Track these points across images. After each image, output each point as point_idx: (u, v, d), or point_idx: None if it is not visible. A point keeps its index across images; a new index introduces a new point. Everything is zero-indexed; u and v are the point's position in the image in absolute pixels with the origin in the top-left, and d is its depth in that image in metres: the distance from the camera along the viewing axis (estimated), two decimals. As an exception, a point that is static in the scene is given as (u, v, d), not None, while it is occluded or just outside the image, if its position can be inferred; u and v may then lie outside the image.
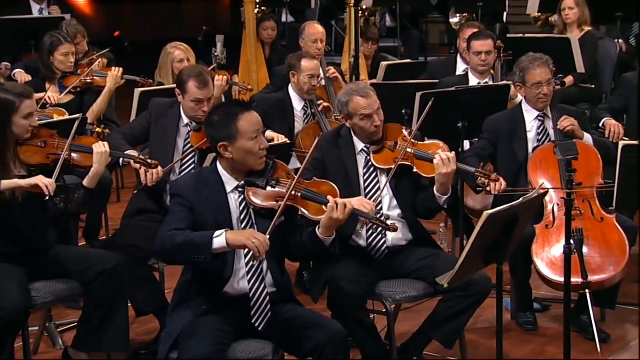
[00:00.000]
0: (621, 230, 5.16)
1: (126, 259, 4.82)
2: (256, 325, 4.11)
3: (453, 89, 5.11)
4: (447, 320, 4.64)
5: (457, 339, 4.75)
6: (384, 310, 4.68)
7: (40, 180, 4.47)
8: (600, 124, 5.99)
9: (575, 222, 5.17)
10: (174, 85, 6.31)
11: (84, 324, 4.77)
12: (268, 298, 4.12)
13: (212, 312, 4.06)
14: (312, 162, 4.57)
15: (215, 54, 7.74)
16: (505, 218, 3.86)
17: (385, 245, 4.74)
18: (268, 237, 3.94)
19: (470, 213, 6.23)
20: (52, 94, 6.33)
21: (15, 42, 8.03)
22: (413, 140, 4.74)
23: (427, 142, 4.79)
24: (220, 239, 3.94)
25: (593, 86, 7.75)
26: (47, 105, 6.21)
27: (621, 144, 4.98)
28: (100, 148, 4.65)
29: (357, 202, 4.48)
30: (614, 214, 5.23)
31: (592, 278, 5.04)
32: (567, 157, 3.98)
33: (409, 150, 4.71)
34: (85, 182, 4.65)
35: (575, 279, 5.04)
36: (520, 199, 3.94)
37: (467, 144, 6.12)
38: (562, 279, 5.06)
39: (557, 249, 5.15)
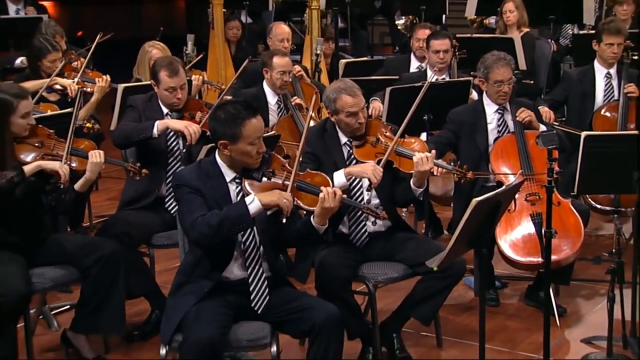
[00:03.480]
0: (576, 214, 5.10)
1: (119, 246, 4.61)
2: (255, 308, 3.94)
3: (420, 84, 4.97)
4: (425, 299, 4.53)
5: (434, 317, 4.65)
6: (359, 289, 4.58)
7: (61, 167, 4.35)
8: None
9: (535, 207, 5.11)
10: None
11: (82, 307, 4.57)
12: (266, 282, 3.95)
13: (214, 295, 3.87)
14: (306, 155, 4.42)
15: (187, 51, 7.54)
16: (489, 204, 3.74)
17: (366, 233, 4.61)
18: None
19: (431, 198, 6.14)
20: (72, 85, 5.96)
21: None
22: (400, 139, 4.59)
23: (407, 139, 4.65)
24: (255, 204, 3.80)
25: (532, 82, 7.70)
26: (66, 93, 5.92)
27: (583, 134, 4.90)
28: (96, 158, 4.43)
29: (371, 170, 4.39)
30: (569, 199, 5.17)
31: (551, 257, 4.94)
32: (549, 146, 3.87)
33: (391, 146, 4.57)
34: (76, 187, 4.44)
35: (536, 259, 5.00)
36: (503, 187, 3.83)
37: (424, 136, 5.99)
38: (524, 259, 5.06)
39: (519, 231, 5.09)
